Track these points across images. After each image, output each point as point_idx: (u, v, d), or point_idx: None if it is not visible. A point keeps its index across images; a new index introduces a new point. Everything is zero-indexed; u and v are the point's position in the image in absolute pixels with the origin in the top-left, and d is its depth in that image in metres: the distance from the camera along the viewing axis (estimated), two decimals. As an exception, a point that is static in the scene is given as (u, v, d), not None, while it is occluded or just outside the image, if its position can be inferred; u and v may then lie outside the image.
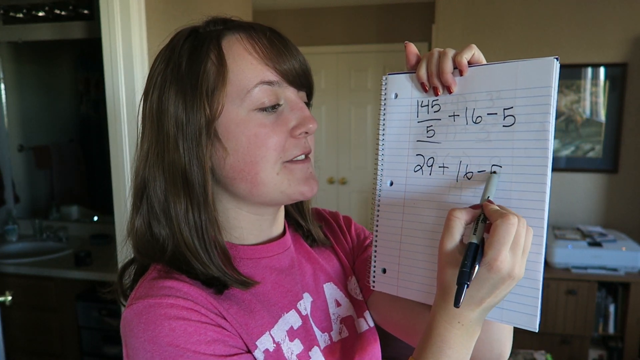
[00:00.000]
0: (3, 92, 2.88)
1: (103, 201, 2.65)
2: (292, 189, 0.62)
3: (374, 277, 0.67)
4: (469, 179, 0.57)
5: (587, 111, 2.91)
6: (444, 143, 0.60)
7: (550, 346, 2.58)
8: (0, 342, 1.54)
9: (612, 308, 2.62)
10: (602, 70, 2.87)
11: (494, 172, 0.56)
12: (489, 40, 2.99)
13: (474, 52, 0.57)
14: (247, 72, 0.59)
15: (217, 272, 0.59)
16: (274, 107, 0.60)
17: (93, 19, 2.62)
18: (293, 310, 0.66)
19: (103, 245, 2.62)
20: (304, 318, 0.66)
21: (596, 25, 2.86)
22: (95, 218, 2.87)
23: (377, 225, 0.66)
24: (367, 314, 0.76)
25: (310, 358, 0.64)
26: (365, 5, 4.01)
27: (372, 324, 0.76)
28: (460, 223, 0.52)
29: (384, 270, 0.66)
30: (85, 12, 2.63)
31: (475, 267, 0.49)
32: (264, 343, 0.60)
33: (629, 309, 2.55)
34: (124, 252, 0.67)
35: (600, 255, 2.54)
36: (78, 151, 2.95)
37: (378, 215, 0.66)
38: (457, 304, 0.49)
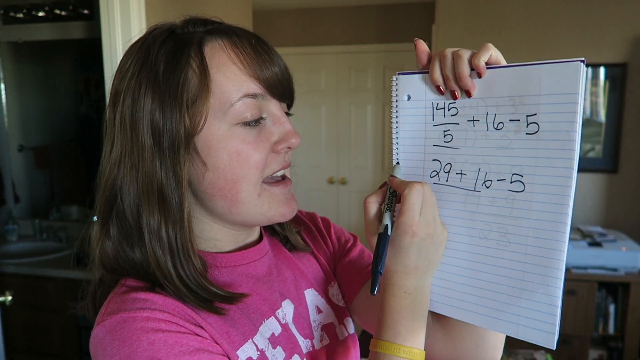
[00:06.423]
0: (3, 92, 2.88)
1: (103, 201, 2.65)
2: (273, 211, 0.60)
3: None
4: (487, 187, 0.55)
5: (587, 111, 2.91)
6: (463, 149, 0.56)
7: (550, 346, 2.58)
8: (0, 342, 1.54)
9: (612, 308, 2.62)
10: (602, 70, 2.87)
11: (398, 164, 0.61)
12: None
13: (491, 53, 0.53)
14: (231, 83, 0.55)
15: (195, 291, 0.56)
16: (257, 121, 0.58)
17: (93, 19, 2.62)
18: (272, 317, 0.63)
19: (103, 245, 2.61)
20: (283, 326, 0.64)
21: (596, 25, 2.86)
22: (95, 218, 2.86)
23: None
24: (347, 321, 0.74)
25: None
26: (365, 5, 4.01)
27: (351, 331, 0.74)
28: (373, 206, 0.59)
29: None
30: (85, 12, 2.63)
31: (385, 255, 0.54)
32: (247, 351, 0.57)
33: (629, 309, 2.55)
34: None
35: (600, 255, 2.53)
36: (78, 151, 2.95)
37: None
38: (373, 291, 0.53)
